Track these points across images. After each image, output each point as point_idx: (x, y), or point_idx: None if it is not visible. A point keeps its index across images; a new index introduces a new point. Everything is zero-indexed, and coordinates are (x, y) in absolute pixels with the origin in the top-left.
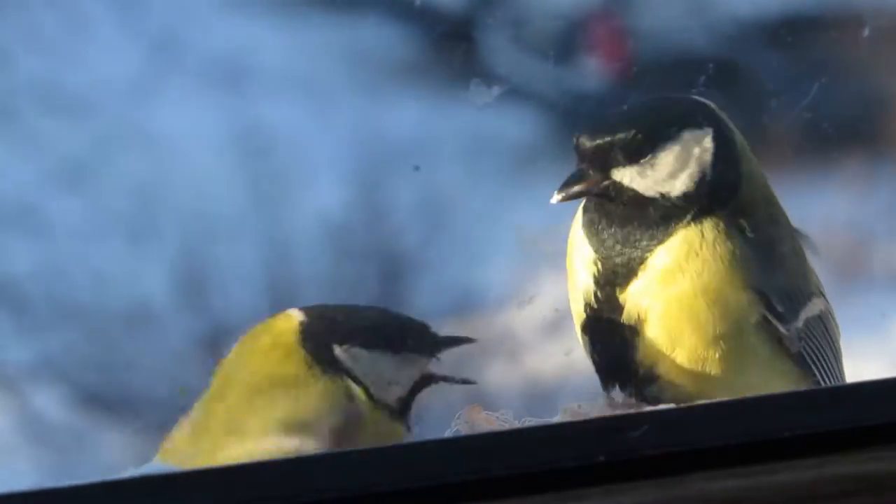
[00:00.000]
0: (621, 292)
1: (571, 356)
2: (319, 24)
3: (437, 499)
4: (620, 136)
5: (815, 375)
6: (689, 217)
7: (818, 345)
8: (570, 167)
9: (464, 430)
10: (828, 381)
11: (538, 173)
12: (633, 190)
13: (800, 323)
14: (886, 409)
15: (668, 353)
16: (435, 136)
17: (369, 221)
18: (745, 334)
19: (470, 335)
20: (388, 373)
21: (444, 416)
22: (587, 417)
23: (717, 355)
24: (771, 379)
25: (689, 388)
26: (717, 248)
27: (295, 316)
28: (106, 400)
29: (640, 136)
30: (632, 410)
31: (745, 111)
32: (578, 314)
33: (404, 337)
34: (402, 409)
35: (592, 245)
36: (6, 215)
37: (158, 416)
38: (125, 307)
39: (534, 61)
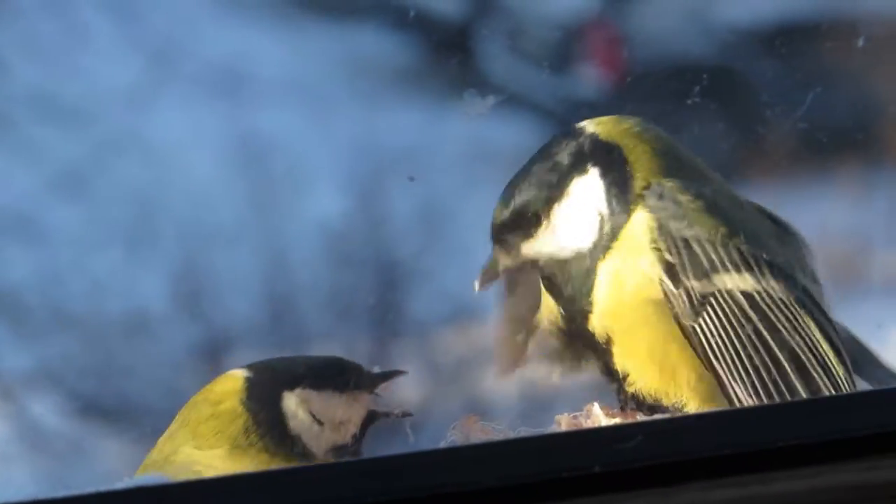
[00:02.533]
0: (587, 324)
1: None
2: (317, 32)
3: None
4: (508, 214)
5: (713, 366)
6: (606, 251)
7: (720, 327)
8: None
9: (459, 440)
10: (729, 381)
11: None
12: (547, 256)
13: (697, 286)
14: (882, 418)
15: (629, 355)
16: (432, 145)
17: (367, 229)
18: (646, 301)
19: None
20: (339, 412)
21: (440, 426)
22: (582, 428)
23: (639, 336)
24: (672, 354)
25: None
26: (638, 263)
27: (238, 374)
28: (103, 408)
29: (528, 207)
30: (627, 421)
31: (741, 121)
32: (560, 347)
33: (346, 376)
34: (355, 448)
35: (554, 300)
36: (4, 224)
37: (156, 424)
38: (123, 316)
39: (530, 70)
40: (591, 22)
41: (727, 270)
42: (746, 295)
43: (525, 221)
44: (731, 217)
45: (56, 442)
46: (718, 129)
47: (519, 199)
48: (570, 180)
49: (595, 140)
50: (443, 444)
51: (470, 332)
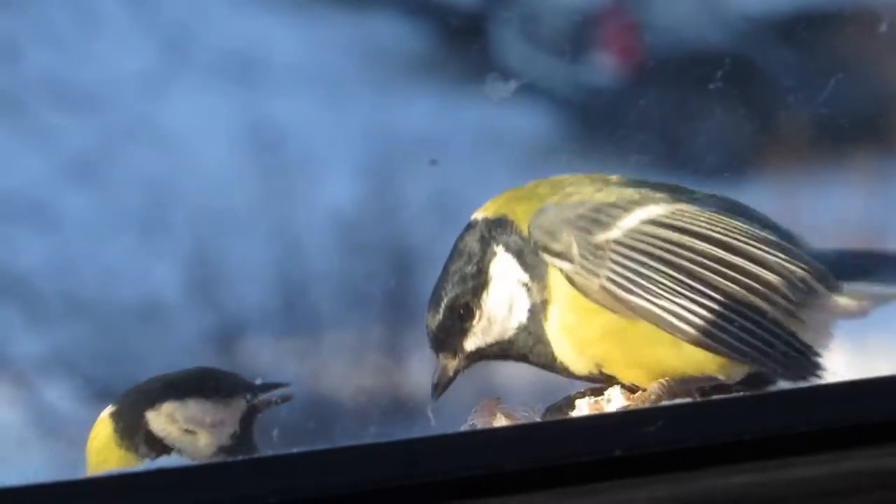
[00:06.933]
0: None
1: None
2: (332, 18)
3: (451, 493)
4: (441, 317)
5: (634, 304)
6: (545, 310)
7: (625, 264)
8: (584, 162)
9: (480, 424)
10: (649, 299)
11: (550, 168)
12: (491, 344)
13: (590, 246)
14: None
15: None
16: (447, 132)
17: (381, 216)
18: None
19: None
20: (209, 416)
21: (461, 410)
22: (603, 412)
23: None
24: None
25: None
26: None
27: (105, 414)
28: (116, 394)
29: (457, 303)
30: (648, 405)
31: (762, 107)
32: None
33: (216, 383)
34: (243, 444)
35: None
36: (18, 210)
37: None
38: (136, 302)
39: (547, 57)
40: (606, 9)
41: (607, 225)
42: (646, 221)
43: (459, 319)
44: (591, 179)
45: (70, 427)
46: (740, 114)
47: (447, 300)
48: (487, 266)
49: (487, 222)
50: (463, 428)
51: None
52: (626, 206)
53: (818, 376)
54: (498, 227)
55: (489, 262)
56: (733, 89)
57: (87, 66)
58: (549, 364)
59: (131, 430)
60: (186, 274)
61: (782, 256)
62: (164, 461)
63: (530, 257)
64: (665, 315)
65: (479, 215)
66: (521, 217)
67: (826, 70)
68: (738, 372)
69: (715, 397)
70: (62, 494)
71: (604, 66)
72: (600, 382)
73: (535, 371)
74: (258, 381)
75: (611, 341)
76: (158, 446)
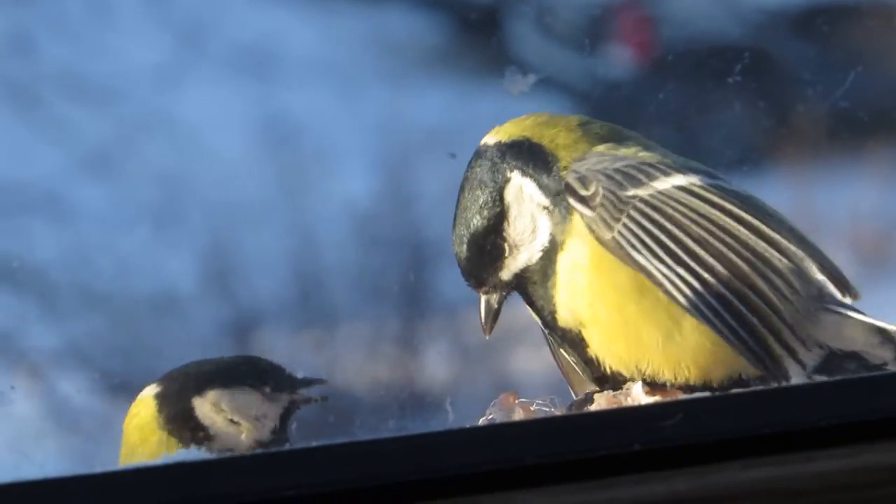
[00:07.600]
0: (559, 322)
1: None
2: (348, 11)
3: (469, 487)
4: (468, 253)
5: (639, 263)
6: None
7: (640, 225)
8: None
9: (498, 417)
10: (662, 267)
11: None
12: (523, 269)
13: (612, 198)
14: None
15: (598, 334)
16: (463, 125)
17: (396, 209)
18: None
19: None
20: (254, 408)
21: (479, 404)
22: (622, 406)
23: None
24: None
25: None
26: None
27: (149, 394)
28: (132, 387)
29: (481, 236)
30: (667, 399)
31: (780, 100)
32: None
33: (259, 374)
34: (278, 441)
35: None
36: (33, 203)
37: None
38: (151, 294)
39: (565, 51)
40: (623, 3)
41: (642, 182)
42: (678, 188)
43: (486, 251)
44: (645, 143)
45: (85, 420)
46: (759, 108)
47: (469, 235)
48: (502, 192)
49: (501, 146)
50: (482, 422)
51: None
52: (665, 170)
53: (786, 378)
54: (514, 150)
55: (504, 188)
56: (752, 83)
57: (102, 59)
58: (545, 305)
59: (177, 414)
60: (202, 267)
61: (803, 252)
62: (180, 455)
63: (553, 184)
64: (664, 280)
65: (489, 140)
66: (558, 146)
67: (845, 63)
68: (722, 379)
69: (733, 391)
70: (80, 488)
71: (621, 60)
72: (571, 345)
73: (551, 364)
74: (299, 375)
75: (613, 297)
76: (201, 434)
